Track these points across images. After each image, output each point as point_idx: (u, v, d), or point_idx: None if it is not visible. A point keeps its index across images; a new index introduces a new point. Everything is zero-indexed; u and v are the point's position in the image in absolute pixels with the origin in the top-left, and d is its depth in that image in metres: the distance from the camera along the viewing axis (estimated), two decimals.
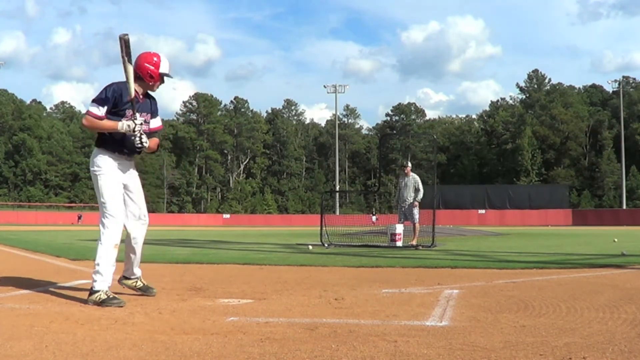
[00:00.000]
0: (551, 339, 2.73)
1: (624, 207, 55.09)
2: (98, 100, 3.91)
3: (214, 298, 4.16)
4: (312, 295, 4.28)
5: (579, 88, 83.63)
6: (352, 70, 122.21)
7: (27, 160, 71.71)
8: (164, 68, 4.07)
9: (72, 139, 77.53)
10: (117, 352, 2.53)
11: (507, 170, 72.32)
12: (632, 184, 64.45)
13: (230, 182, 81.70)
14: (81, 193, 73.25)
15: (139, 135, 3.93)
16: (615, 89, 64.62)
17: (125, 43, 3.84)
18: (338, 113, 67.30)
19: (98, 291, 3.83)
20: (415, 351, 2.52)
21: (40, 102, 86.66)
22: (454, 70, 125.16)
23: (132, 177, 4.18)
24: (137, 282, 4.28)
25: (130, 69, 3.88)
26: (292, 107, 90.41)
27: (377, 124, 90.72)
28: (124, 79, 3.90)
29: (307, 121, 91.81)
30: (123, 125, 3.90)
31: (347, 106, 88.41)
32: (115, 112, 3.94)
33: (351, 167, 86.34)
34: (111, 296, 3.84)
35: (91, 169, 4.07)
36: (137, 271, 4.29)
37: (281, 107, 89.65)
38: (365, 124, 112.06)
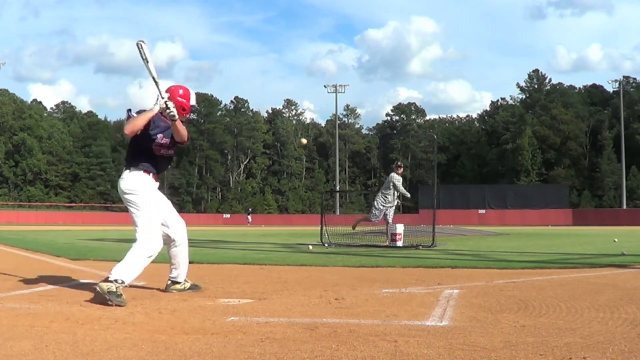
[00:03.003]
0: (551, 339, 2.73)
1: (624, 207, 55.00)
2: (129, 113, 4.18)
3: (214, 298, 4.16)
4: (312, 295, 4.28)
5: (580, 88, 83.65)
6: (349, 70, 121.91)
7: (27, 160, 71.63)
8: (193, 100, 4.39)
9: (73, 139, 77.47)
10: (117, 352, 2.54)
11: (507, 170, 72.22)
12: (632, 184, 64.30)
13: (231, 182, 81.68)
14: (81, 193, 73.22)
15: (168, 104, 4.09)
16: (615, 89, 64.57)
17: (141, 48, 4.23)
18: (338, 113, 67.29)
19: (114, 281, 3.85)
20: (415, 351, 2.52)
21: (40, 102, 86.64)
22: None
23: (159, 194, 4.38)
24: (185, 284, 4.48)
25: (151, 66, 4.20)
26: (292, 107, 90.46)
27: (377, 124, 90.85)
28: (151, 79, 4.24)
29: (307, 121, 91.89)
30: (155, 106, 4.16)
31: (347, 106, 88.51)
32: (145, 134, 4.13)
33: (351, 167, 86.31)
34: (119, 292, 3.84)
35: (124, 188, 4.18)
36: (183, 273, 4.49)
37: (281, 107, 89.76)
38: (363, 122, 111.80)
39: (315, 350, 2.56)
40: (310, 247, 10.49)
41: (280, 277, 5.54)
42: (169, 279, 4.48)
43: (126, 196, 4.17)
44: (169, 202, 4.46)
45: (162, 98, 4.14)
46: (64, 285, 4.86)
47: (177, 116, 4.13)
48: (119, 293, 3.83)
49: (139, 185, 4.17)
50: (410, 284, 4.98)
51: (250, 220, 54.35)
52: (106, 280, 3.87)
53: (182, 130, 4.23)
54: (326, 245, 10.86)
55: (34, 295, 4.30)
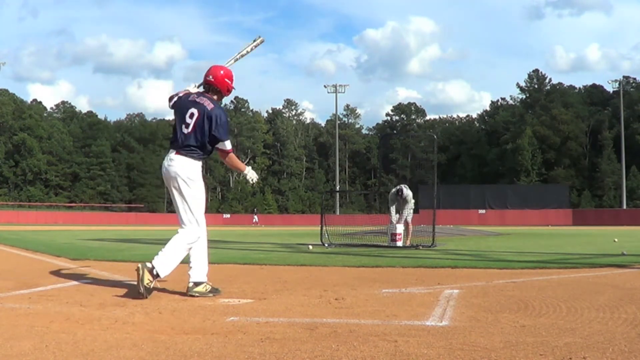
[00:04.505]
0: (551, 339, 2.73)
1: (624, 207, 54.99)
2: (229, 133, 4.37)
3: (214, 298, 4.16)
4: (312, 295, 4.28)
5: (579, 88, 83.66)
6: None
7: (27, 160, 71.59)
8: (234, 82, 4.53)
9: (72, 138, 77.44)
10: (117, 352, 2.53)
11: (507, 170, 72.22)
12: (632, 184, 64.27)
13: (230, 182, 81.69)
14: (81, 193, 73.19)
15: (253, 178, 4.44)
16: (615, 89, 64.58)
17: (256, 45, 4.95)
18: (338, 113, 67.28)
19: (154, 270, 4.00)
20: (415, 351, 2.52)
21: (40, 102, 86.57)
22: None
23: None
24: (207, 286, 4.35)
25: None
26: (292, 107, 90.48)
27: (377, 124, 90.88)
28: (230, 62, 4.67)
29: (307, 121, 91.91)
30: (249, 172, 4.51)
31: (347, 106, 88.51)
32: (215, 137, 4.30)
33: (351, 167, 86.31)
34: (152, 286, 4.03)
35: (184, 176, 4.23)
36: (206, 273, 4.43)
37: (281, 107, 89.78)
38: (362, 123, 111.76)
39: (315, 350, 2.56)
40: (310, 247, 10.49)
41: (280, 277, 5.53)
42: (190, 282, 4.30)
43: (184, 183, 4.24)
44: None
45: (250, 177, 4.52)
46: (64, 285, 4.86)
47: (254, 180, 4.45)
48: (150, 288, 4.00)
49: (199, 175, 4.30)
50: (410, 284, 4.98)
51: (256, 220, 54.45)
52: (152, 268, 4.00)
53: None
54: (326, 245, 10.86)
55: (34, 295, 4.29)
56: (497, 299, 4.02)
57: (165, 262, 4.08)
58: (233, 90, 4.53)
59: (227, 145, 4.32)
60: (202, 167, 4.40)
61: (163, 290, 4.49)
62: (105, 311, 3.57)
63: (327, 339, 2.77)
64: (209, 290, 4.29)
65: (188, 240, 4.23)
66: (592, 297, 4.08)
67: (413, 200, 11.33)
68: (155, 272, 4.01)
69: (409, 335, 2.84)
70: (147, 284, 3.97)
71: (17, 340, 2.72)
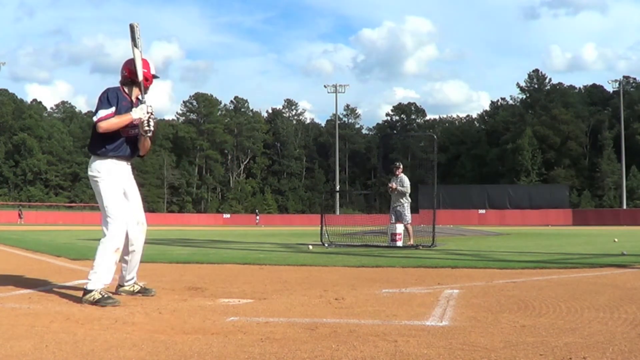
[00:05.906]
0: (551, 339, 2.73)
1: (624, 207, 55.02)
2: (104, 104, 3.97)
3: (214, 298, 4.16)
4: (313, 295, 4.28)
5: (579, 88, 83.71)
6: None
7: (27, 160, 71.66)
8: (154, 70, 4.26)
9: (72, 138, 77.47)
10: (117, 352, 2.53)
11: (507, 170, 72.25)
12: (632, 184, 64.33)
13: (231, 182, 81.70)
14: (81, 193, 73.18)
15: (147, 119, 4.03)
16: (615, 89, 64.61)
17: (133, 30, 4.09)
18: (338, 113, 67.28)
19: (92, 290, 3.83)
20: (415, 351, 2.52)
21: (40, 102, 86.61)
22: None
23: (130, 182, 4.22)
24: (133, 286, 4.27)
25: (137, 52, 4.08)
26: (292, 107, 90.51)
27: (377, 124, 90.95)
28: (135, 63, 4.08)
29: (307, 121, 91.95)
30: (135, 112, 4.00)
31: (347, 106, 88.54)
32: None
33: (351, 167, 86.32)
34: (105, 295, 3.83)
35: (90, 174, 4.06)
36: (133, 275, 4.29)
37: (281, 107, 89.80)
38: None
39: (315, 350, 2.56)
40: (310, 247, 10.49)
41: (280, 277, 5.53)
42: (119, 281, 4.29)
43: (92, 183, 4.06)
44: (138, 198, 4.26)
45: (150, 110, 4.02)
46: (64, 285, 4.86)
47: (151, 133, 4.07)
48: (105, 296, 3.82)
49: (102, 169, 4.00)
50: (410, 284, 4.98)
51: (258, 220, 54.54)
52: (86, 292, 3.85)
53: (148, 144, 4.19)
54: (326, 245, 10.86)
55: (34, 295, 4.29)
56: (497, 299, 4.02)
57: (97, 279, 3.86)
58: (155, 78, 4.24)
59: (96, 116, 3.94)
60: (119, 163, 4.07)
61: (163, 290, 4.48)
62: (105, 311, 3.57)
63: (327, 339, 2.77)
64: (137, 290, 4.25)
65: (111, 247, 3.94)
66: (592, 297, 4.08)
67: (408, 182, 11.21)
68: (97, 293, 3.82)
69: (409, 335, 2.84)
70: (97, 298, 3.78)
71: (17, 340, 2.72)
